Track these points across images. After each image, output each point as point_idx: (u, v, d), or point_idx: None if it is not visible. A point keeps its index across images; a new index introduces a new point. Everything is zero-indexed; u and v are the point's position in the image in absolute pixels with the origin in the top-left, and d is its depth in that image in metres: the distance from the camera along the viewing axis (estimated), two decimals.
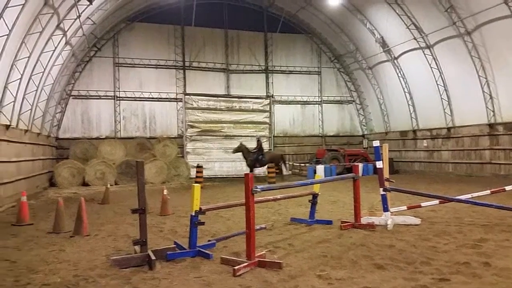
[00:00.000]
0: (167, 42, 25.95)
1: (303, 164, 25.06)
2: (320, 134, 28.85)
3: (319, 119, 28.87)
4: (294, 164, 26.27)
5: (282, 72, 28.15)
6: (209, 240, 7.12)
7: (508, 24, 16.71)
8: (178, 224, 9.30)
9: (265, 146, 27.26)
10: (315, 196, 8.94)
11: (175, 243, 6.91)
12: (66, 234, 8.30)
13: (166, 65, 25.79)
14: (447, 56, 20.47)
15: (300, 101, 28.44)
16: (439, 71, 21.03)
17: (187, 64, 26.17)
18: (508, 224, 8.11)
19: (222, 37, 27.09)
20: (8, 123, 13.42)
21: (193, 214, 6.48)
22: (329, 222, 8.78)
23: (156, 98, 25.44)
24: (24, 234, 8.46)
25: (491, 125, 18.97)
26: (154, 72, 25.57)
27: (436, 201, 8.87)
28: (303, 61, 28.62)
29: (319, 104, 28.91)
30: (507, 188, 8.37)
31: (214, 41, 26.93)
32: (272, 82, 27.89)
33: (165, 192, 11.12)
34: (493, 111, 18.74)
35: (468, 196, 8.60)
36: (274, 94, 27.76)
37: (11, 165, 13.74)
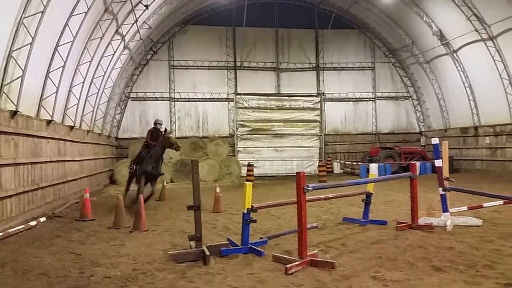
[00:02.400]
0: (219, 43, 26.43)
1: (355, 163, 24.52)
2: (373, 132, 28.08)
3: (372, 116, 28.09)
4: (346, 162, 25.79)
5: (334, 69, 27.70)
6: (261, 238, 7.19)
7: None
8: (230, 221, 9.47)
9: (316, 144, 27.08)
10: (369, 195, 8.73)
11: (228, 239, 7.04)
12: (125, 230, 8.72)
13: (218, 66, 26.29)
14: None
15: (352, 98, 27.84)
16: (503, 64, 19.69)
17: (238, 64, 26.50)
18: None
19: (273, 36, 27.13)
20: (72, 124, 14.31)
21: (245, 211, 6.57)
22: (383, 223, 8.54)
23: (209, 98, 26.01)
24: (87, 229, 9.00)
25: None
26: (207, 73, 26.16)
27: (500, 202, 8.34)
28: (356, 57, 27.98)
29: (372, 100, 28.13)
30: None
31: (264, 40, 27.04)
32: (323, 80, 27.53)
33: (217, 190, 11.35)
34: None
35: None
36: (325, 92, 27.39)
37: (75, 163, 14.65)
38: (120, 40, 17.37)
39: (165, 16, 21.75)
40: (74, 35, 12.08)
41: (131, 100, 25.08)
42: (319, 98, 27.13)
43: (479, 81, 21.71)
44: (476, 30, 20.18)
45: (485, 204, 8.45)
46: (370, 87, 28.08)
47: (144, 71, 25.33)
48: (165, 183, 15.44)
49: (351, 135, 27.85)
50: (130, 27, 17.46)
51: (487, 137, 21.89)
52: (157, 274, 5.62)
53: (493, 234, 7.27)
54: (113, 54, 17.28)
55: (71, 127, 14.24)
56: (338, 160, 26.35)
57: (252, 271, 5.63)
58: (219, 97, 26.19)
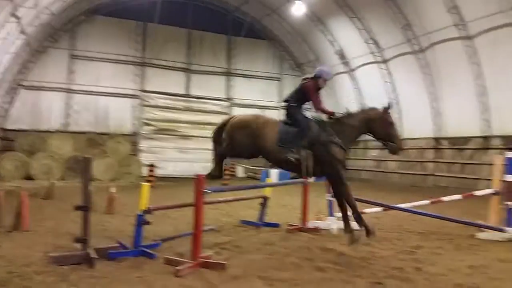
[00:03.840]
0: (128, 37, 25.37)
1: (257, 167, 25.22)
2: None
3: None
4: (249, 167, 26.40)
5: (244, 76, 28.28)
6: (154, 240, 7.04)
7: (457, 45, 17.74)
8: (123, 223, 9.11)
9: None
10: (265, 199, 9.07)
11: (119, 242, 6.78)
12: (3, 229, 7.92)
13: (124, 61, 25.20)
14: (401, 72, 21.39)
15: (259, 106, 28.62)
16: (392, 86, 21.91)
17: (146, 61, 25.72)
18: (444, 232, 8.60)
19: (185, 36, 26.85)
20: None
21: (140, 213, 6.41)
22: (276, 225, 8.94)
23: (112, 93, 24.75)
24: None
25: (436, 139, 19.99)
26: (112, 67, 24.90)
27: (380, 209, 9.24)
28: (265, 67, 28.89)
29: (277, 109, 29.22)
30: (445, 198, 8.89)
31: (176, 40, 26.62)
32: (233, 85, 27.96)
33: (112, 190, 10.86)
34: (439, 126, 19.73)
35: (409, 205, 9.02)
36: (234, 97, 27.83)
37: None
38: (16, 23, 15.79)
39: (70, 3, 20.30)
40: None
41: (24, 89, 22.85)
42: (228, 103, 27.49)
43: (372, 100, 23.62)
44: (372, 53, 22.19)
45: (367, 210, 9.26)
46: (276, 96, 29.16)
47: (41, 59, 23.26)
48: (54, 181, 14.34)
49: None
50: (29, 11, 15.97)
51: (373, 150, 24.06)
52: (35, 277, 5.21)
53: (371, 238, 8.01)
54: (7, 38, 15.64)
55: None
56: (242, 164, 26.85)
57: (141, 274, 5.49)
58: (124, 93, 25.09)
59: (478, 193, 9.02)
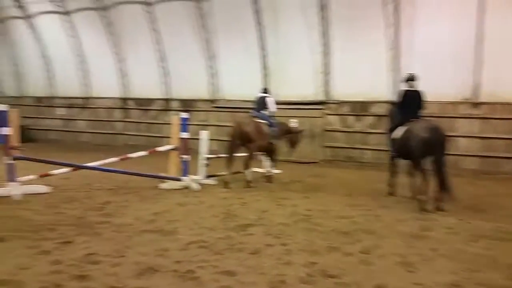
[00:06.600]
0: None
1: None
2: None
3: None
4: None
5: None
6: None
7: (138, 9, 18.55)
8: None
9: None
10: None
11: None
12: None
13: None
14: (86, 27, 20.50)
15: None
16: (78, 41, 20.88)
17: None
18: (131, 187, 9.29)
19: None
20: None
21: None
22: None
23: None
24: None
25: (123, 99, 20.73)
26: None
27: (68, 169, 8.99)
28: None
29: None
30: (132, 155, 9.53)
31: None
32: None
33: None
34: (125, 87, 20.49)
35: (99, 163, 9.18)
36: None
37: None
38: None
39: None
40: None
41: None
42: None
43: (56, 53, 21.99)
44: (53, 1, 20.32)
45: (56, 172, 8.80)
46: None
47: None
48: None
49: None
50: None
51: (61, 109, 22.72)
52: None
53: (60, 199, 7.73)
54: None
55: None
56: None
57: None
58: None
59: (160, 149, 10.12)
